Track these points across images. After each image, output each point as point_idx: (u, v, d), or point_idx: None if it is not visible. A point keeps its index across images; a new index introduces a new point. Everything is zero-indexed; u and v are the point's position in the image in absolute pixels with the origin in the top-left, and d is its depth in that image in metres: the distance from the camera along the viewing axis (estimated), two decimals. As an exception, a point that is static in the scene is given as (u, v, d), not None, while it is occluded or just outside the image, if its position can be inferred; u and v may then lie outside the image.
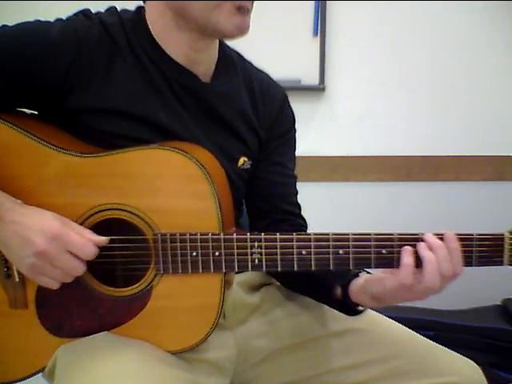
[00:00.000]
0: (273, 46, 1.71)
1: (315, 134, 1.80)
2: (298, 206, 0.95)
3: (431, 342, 0.88)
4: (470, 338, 1.54)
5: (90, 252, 0.69)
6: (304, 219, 0.96)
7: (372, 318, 0.90)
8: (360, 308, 0.81)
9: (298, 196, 0.96)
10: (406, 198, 1.83)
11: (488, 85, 1.79)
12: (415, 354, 0.85)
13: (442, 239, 0.70)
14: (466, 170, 1.82)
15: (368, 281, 0.76)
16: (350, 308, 0.81)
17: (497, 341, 1.54)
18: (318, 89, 1.75)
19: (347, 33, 1.74)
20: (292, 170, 0.95)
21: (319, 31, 1.72)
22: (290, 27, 1.72)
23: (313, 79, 1.74)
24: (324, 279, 0.83)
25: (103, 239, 0.71)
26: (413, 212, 1.81)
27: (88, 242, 0.69)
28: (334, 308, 0.85)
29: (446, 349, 0.87)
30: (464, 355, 0.87)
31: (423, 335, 0.88)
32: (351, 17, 1.74)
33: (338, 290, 0.80)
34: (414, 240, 0.72)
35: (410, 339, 0.88)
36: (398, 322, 0.91)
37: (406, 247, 0.71)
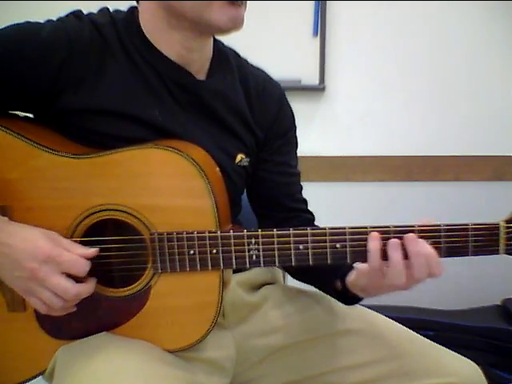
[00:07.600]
0: (273, 45, 1.71)
1: (315, 134, 1.80)
2: (305, 202, 0.96)
3: (431, 342, 0.87)
4: (470, 337, 1.54)
5: (83, 267, 0.69)
6: (311, 213, 0.96)
7: (372, 318, 0.90)
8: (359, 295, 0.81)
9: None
10: (406, 198, 1.83)
11: (488, 85, 1.79)
12: (415, 354, 0.84)
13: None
14: (465, 170, 1.82)
15: (357, 273, 0.76)
16: (348, 297, 0.81)
17: (497, 341, 1.54)
18: (318, 89, 1.75)
19: (347, 33, 1.74)
20: (296, 167, 0.95)
21: (319, 31, 1.72)
22: (290, 27, 1.72)
23: (313, 79, 1.74)
24: (325, 273, 0.83)
25: (93, 251, 0.70)
26: (413, 212, 1.80)
27: (79, 258, 0.69)
28: (335, 298, 0.85)
29: (446, 349, 0.87)
30: (464, 355, 0.86)
31: (423, 335, 0.88)
32: (351, 17, 1.74)
33: (338, 283, 0.81)
34: (408, 232, 0.72)
35: (410, 339, 0.87)
36: (398, 322, 0.90)
37: (373, 234, 0.73)
